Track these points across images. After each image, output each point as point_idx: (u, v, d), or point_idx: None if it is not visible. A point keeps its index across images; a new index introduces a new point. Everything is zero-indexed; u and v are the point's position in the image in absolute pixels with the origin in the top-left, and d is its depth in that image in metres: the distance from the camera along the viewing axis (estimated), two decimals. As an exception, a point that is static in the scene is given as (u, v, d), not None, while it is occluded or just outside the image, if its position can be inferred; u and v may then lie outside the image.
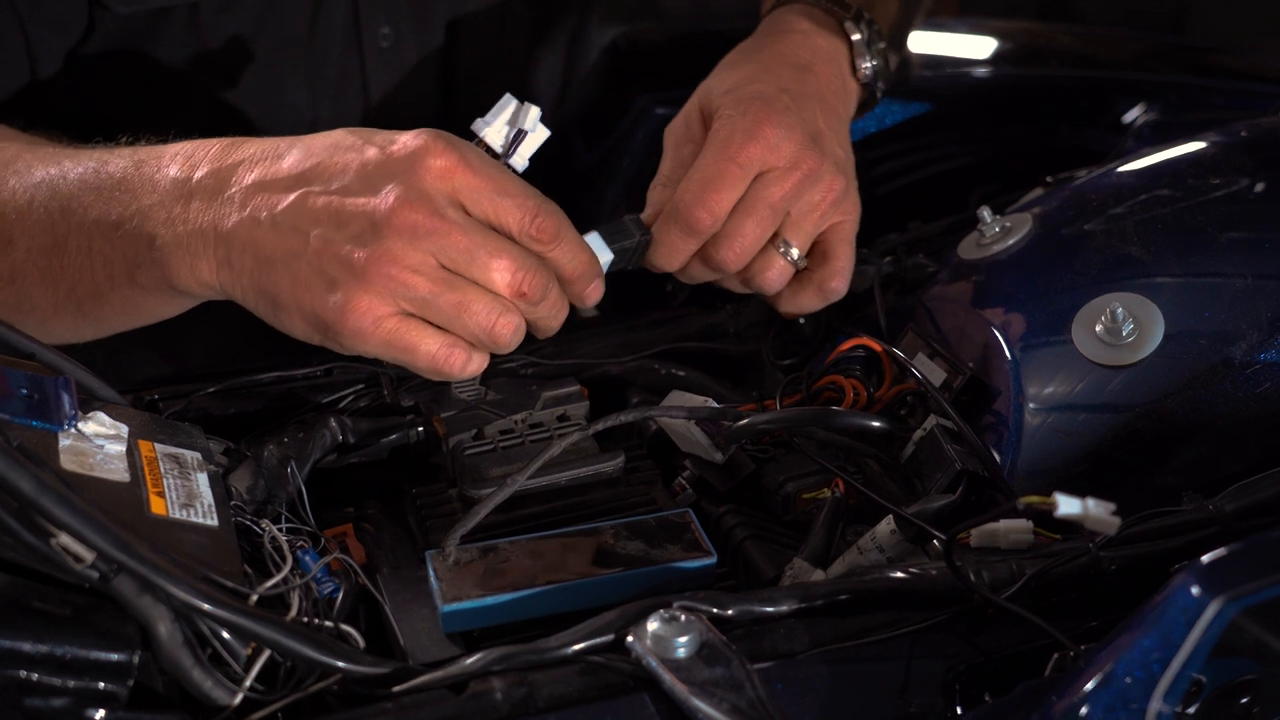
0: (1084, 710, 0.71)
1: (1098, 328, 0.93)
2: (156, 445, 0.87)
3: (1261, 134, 1.10)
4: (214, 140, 0.92)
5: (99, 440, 0.83)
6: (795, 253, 1.04)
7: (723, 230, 1.00)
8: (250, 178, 0.88)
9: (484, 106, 1.43)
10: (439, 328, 0.87)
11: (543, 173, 1.50)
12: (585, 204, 1.41)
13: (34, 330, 0.98)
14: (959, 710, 0.79)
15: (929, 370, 0.98)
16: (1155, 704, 0.70)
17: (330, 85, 1.33)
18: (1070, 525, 0.86)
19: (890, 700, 0.78)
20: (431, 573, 0.85)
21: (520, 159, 0.96)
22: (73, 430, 0.82)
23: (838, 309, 1.11)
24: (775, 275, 1.04)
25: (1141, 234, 0.98)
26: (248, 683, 0.74)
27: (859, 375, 1.00)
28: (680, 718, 0.74)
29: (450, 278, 0.86)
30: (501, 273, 0.86)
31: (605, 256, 0.98)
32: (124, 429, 0.85)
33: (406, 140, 0.87)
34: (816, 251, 1.06)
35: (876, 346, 1.01)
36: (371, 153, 0.87)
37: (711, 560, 0.87)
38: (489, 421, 1.00)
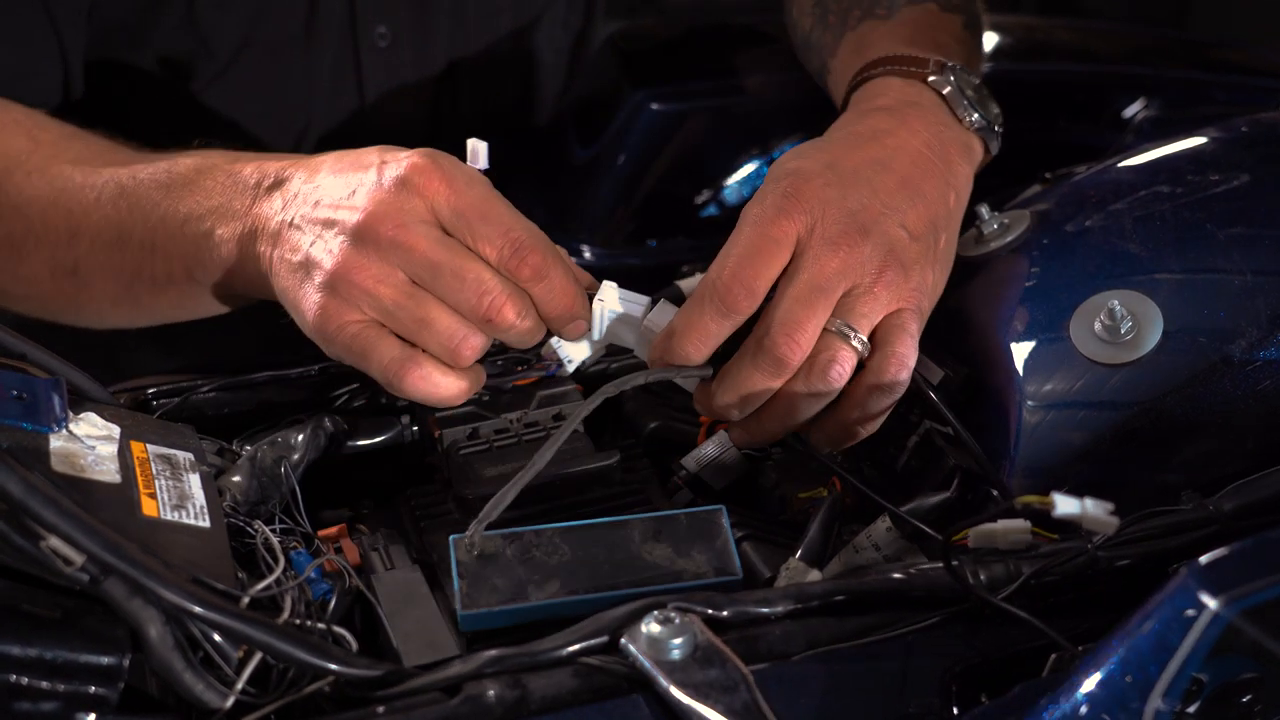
0: (1083, 710, 0.70)
1: (1096, 325, 0.93)
2: (148, 446, 0.86)
3: (1262, 129, 1.09)
4: (281, 155, 0.98)
5: (90, 441, 0.83)
6: (858, 336, 0.91)
7: (775, 319, 0.90)
8: (299, 187, 0.92)
9: (482, 107, 1.43)
10: (405, 341, 0.88)
11: (539, 169, 1.50)
12: (581, 200, 1.40)
13: (92, 317, 1.06)
14: (955, 711, 0.79)
15: (926, 369, 0.97)
16: (1154, 704, 0.70)
17: (325, 84, 1.33)
18: (1068, 524, 0.86)
19: (887, 702, 0.78)
20: (454, 563, 0.84)
21: None
22: (64, 432, 0.81)
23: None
24: (841, 364, 0.90)
25: (1140, 231, 0.97)
26: (239, 686, 0.74)
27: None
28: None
29: (416, 292, 0.87)
30: (467, 295, 0.86)
31: (632, 310, 0.93)
32: (115, 430, 0.85)
33: (400, 156, 0.89)
34: (872, 341, 0.93)
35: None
36: (372, 168, 0.89)
37: (737, 578, 0.86)
38: (484, 420, 0.99)
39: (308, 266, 0.89)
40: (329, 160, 0.94)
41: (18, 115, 1.10)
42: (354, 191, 0.89)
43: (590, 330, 0.93)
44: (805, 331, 0.90)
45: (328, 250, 0.88)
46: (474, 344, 0.88)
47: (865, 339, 0.92)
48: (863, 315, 0.92)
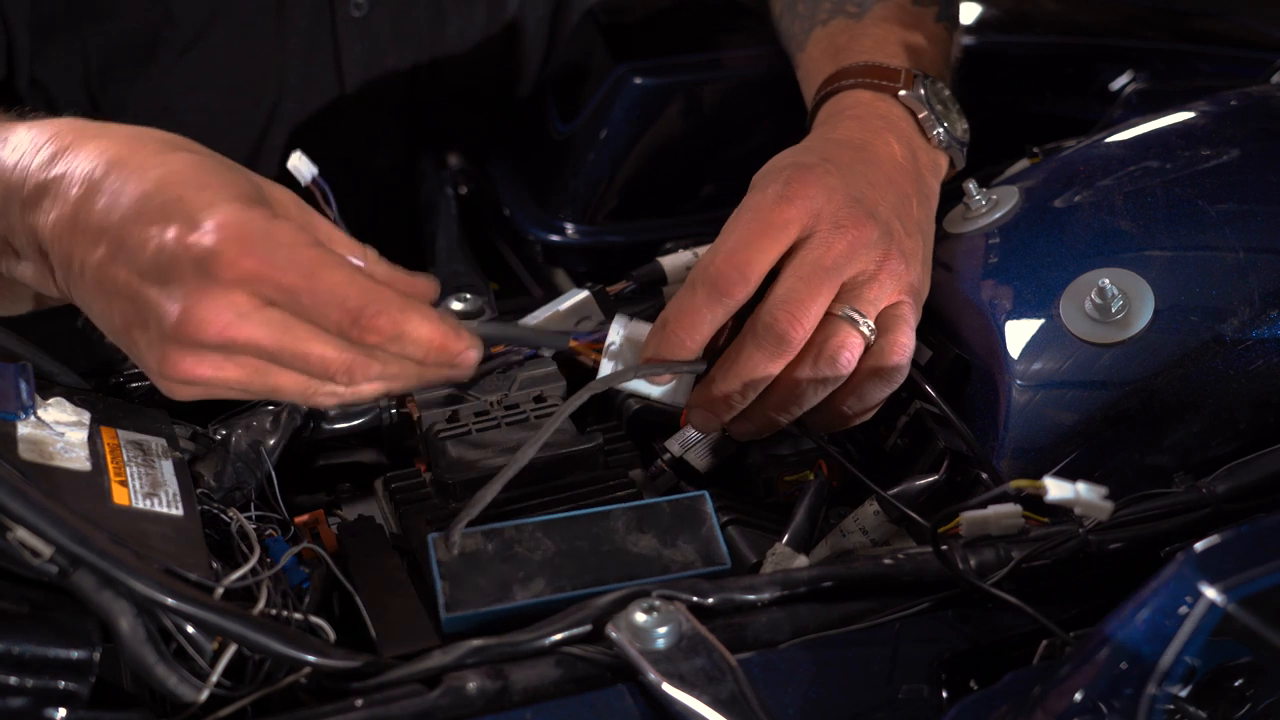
0: (1077, 697, 0.69)
1: (1086, 304, 0.91)
2: (120, 432, 0.85)
3: (1252, 103, 1.08)
4: (44, 131, 0.82)
5: (59, 428, 0.81)
6: (866, 322, 0.89)
7: (775, 296, 0.88)
8: (67, 209, 0.78)
9: (461, 77, 1.41)
10: None
11: (521, 142, 1.48)
12: (561, 175, 1.38)
13: None
14: (944, 696, 0.77)
15: (916, 349, 0.96)
16: (1149, 689, 0.68)
17: (299, 56, 1.31)
18: (1060, 508, 0.85)
19: (875, 689, 0.77)
20: (434, 564, 0.82)
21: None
22: (31, 418, 0.80)
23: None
24: (850, 350, 0.89)
25: (1131, 207, 0.96)
26: (213, 678, 0.72)
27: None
28: (660, 710, 0.72)
29: (259, 364, 0.77)
30: (311, 367, 0.76)
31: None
32: (86, 415, 0.83)
33: (205, 230, 0.74)
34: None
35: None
36: (170, 235, 0.74)
37: (725, 567, 0.84)
38: (463, 403, 0.97)
39: (130, 344, 0.77)
40: (105, 175, 0.77)
41: None
42: (157, 269, 0.74)
43: None
44: (808, 310, 0.88)
45: (145, 340, 0.76)
46: (331, 396, 0.79)
47: (873, 325, 0.90)
48: (869, 301, 0.90)
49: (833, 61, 1.10)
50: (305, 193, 0.90)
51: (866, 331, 0.90)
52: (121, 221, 0.75)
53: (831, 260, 0.89)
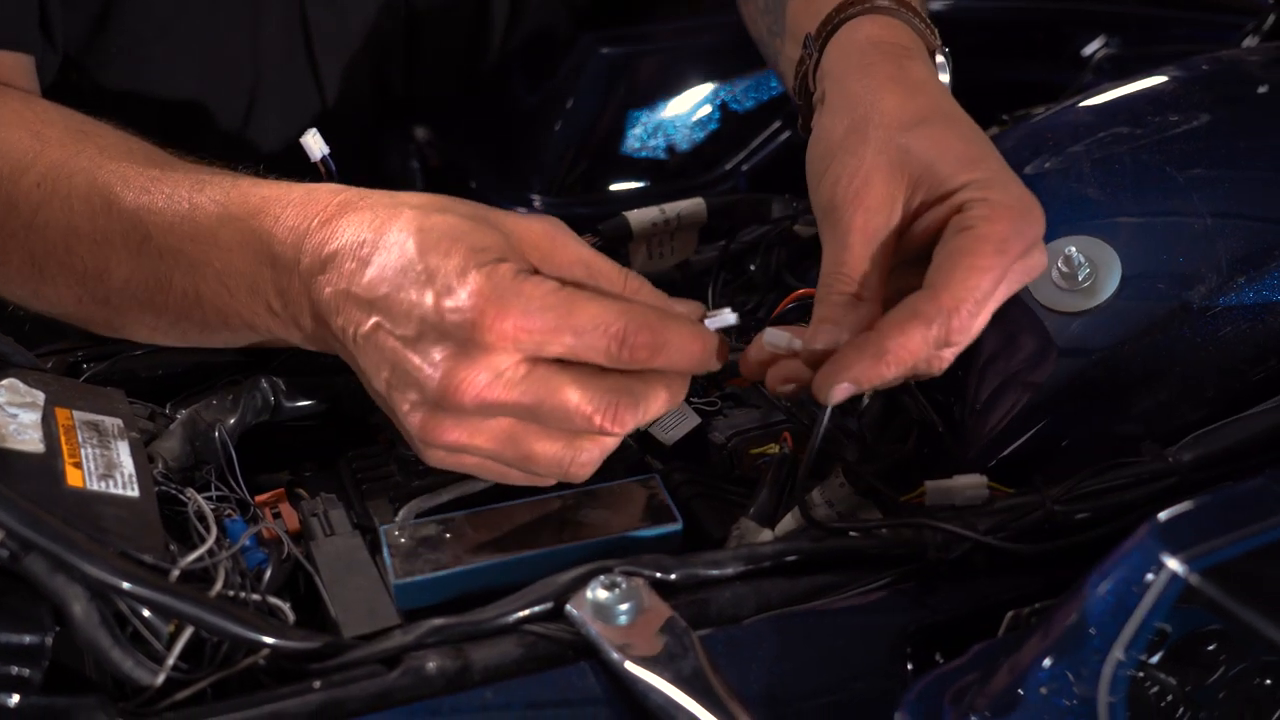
0: (1045, 663, 0.68)
1: (1053, 272, 0.90)
2: (75, 413, 0.83)
3: (1222, 68, 1.07)
4: (311, 205, 0.86)
5: (12, 409, 0.80)
6: None
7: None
8: (341, 281, 0.82)
9: (425, 48, 1.40)
10: None
11: (487, 114, 1.46)
12: (528, 146, 1.37)
13: (130, 337, 0.97)
14: (910, 669, 0.77)
15: None
16: (1114, 657, 0.68)
17: (272, 36, 1.29)
18: (1024, 479, 0.84)
19: (840, 664, 0.76)
20: (385, 549, 0.82)
21: None
22: (-18, 400, 0.78)
23: (786, 259, 1.08)
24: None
25: (1098, 174, 0.95)
26: (170, 661, 0.71)
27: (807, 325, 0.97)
28: (621, 688, 0.72)
29: (514, 431, 0.80)
30: (576, 422, 0.79)
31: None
32: (40, 396, 0.82)
33: (461, 297, 0.77)
34: None
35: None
36: (429, 301, 0.78)
37: (677, 527, 0.84)
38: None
39: (392, 406, 0.82)
40: (373, 248, 0.81)
41: (16, 105, 1.01)
42: (419, 336, 0.79)
43: None
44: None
45: (407, 403, 0.80)
46: (589, 457, 0.82)
47: None
48: None
49: (810, 13, 1.02)
50: (311, 169, 0.94)
51: None
52: (388, 292, 0.80)
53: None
